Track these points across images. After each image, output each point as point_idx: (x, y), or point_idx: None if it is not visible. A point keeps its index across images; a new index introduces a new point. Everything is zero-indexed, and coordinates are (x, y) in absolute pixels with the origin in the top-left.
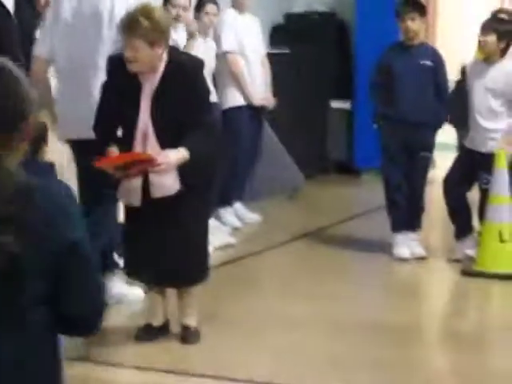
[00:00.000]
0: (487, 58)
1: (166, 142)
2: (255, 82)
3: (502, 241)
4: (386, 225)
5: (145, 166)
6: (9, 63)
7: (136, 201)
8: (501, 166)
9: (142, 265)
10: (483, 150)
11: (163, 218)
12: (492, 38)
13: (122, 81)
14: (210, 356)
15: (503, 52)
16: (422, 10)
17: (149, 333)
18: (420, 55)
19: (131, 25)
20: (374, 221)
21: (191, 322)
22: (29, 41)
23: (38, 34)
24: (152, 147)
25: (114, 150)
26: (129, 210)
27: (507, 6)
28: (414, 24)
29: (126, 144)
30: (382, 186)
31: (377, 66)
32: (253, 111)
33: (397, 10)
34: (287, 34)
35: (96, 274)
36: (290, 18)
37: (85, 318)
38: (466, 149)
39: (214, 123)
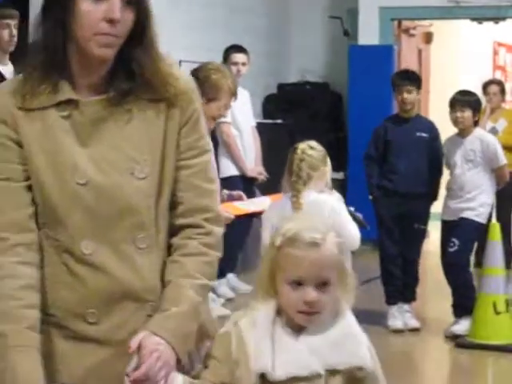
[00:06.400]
0: (462, 132)
1: None
2: (247, 154)
3: (496, 313)
4: (380, 296)
5: None
6: None
7: None
8: (494, 239)
9: None
10: (459, 217)
11: None
12: (469, 114)
13: None
14: None
15: (475, 124)
16: (417, 83)
17: None
18: (416, 127)
19: None
20: (367, 292)
21: None
22: None
23: None
24: None
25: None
26: None
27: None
28: (410, 96)
29: None
30: (376, 257)
31: (373, 137)
32: (244, 182)
33: (393, 81)
34: (280, 104)
35: None
36: (283, 88)
37: None
38: (444, 221)
39: None
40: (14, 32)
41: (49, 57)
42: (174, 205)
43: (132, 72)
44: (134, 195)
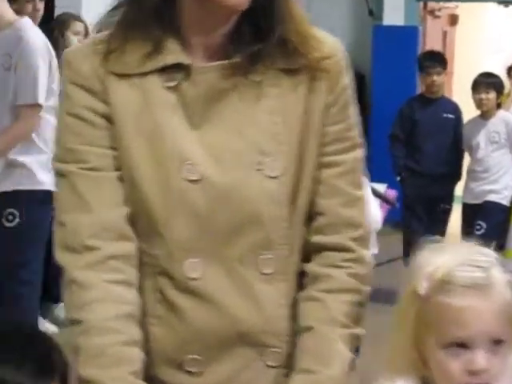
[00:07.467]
0: (485, 114)
1: None
2: None
3: None
4: (397, 278)
5: None
6: None
7: None
8: None
9: None
10: (483, 200)
11: None
12: (493, 95)
13: None
14: None
15: (498, 106)
16: (445, 64)
17: None
18: (443, 108)
19: None
20: (385, 274)
21: None
22: None
23: None
24: None
25: None
26: None
27: None
28: (439, 78)
29: None
30: (396, 239)
31: (398, 117)
32: None
33: (420, 63)
34: None
35: None
36: None
37: None
38: (466, 204)
39: None
40: (39, 6)
41: (147, 4)
42: (310, 215)
43: (262, 31)
44: (261, 199)
